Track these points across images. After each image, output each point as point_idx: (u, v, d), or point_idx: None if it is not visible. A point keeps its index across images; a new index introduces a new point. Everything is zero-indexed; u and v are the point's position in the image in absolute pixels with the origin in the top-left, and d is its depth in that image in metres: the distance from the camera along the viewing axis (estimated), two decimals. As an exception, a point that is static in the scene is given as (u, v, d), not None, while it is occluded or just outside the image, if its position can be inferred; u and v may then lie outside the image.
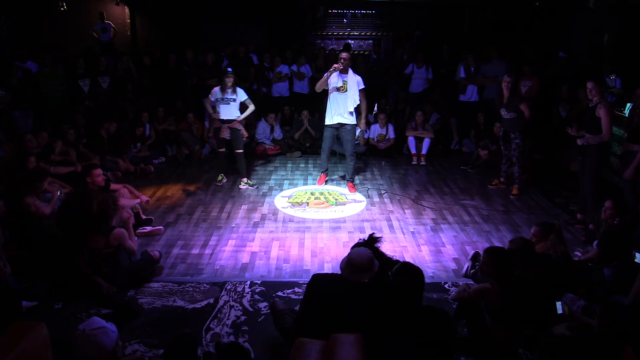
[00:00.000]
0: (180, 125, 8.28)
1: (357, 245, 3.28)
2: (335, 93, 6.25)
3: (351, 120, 6.34)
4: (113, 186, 5.48)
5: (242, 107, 6.76)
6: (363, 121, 6.60)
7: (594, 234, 5.02)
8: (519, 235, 4.68)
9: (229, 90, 6.49)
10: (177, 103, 8.61)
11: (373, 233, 3.29)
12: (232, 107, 6.55)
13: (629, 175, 4.93)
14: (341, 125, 6.36)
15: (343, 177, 7.06)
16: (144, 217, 5.40)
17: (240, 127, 6.67)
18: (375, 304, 2.93)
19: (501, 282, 3.18)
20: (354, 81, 6.27)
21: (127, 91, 8.56)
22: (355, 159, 6.73)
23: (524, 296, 3.22)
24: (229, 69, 6.59)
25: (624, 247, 3.89)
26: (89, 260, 4.05)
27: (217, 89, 6.58)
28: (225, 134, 6.61)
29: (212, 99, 6.60)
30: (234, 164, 6.89)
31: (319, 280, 3.05)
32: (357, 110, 6.44)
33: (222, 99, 6.52)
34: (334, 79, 6.25)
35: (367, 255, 2.98)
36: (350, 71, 6.29)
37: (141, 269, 4.29)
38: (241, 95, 6.61)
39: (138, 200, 5.37)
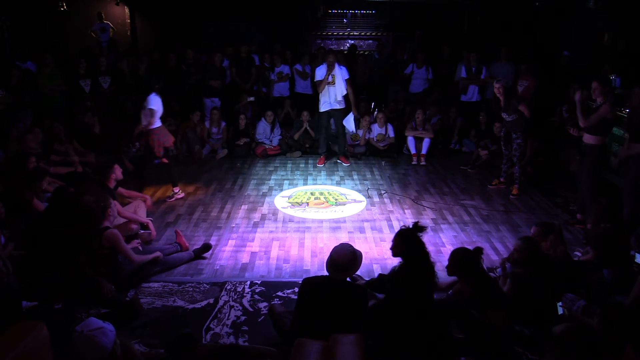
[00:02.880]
0: (185, 124, 8.26)
1: (400, 231, 3.45)
2: (327, 87, 7.39)
3: (341, 105, 7.53)
4: (129, 193, 5.46)
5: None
6: (354, 108, 7.63)
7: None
8: (523, 235, 4.67)
9: None
10: (175, 104, 8.61)
11: (418, 222, 3.40)
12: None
13: (622, 156, 4.96)
14: (333, 110, 7.54)
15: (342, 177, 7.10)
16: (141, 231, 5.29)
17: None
18: (364, 302, 3.00)
19: (466, 280, 3.31)
20: (340, 74, 7.34)
21: (129, 91, 8.56)
22: (346, 137, 7.99)
23: (522, 294, 3.27)
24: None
25: (621, 249, 3.88)
26: (89, 260, 4.05)
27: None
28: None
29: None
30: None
31: (309, 283, 3.11)
32: (346, 98, 7.54)
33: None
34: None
35: (348, 252, 3.05)
36: (335, 66, 7.31)
37: (140, 268, 4.29)
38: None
39: (138, 224, 5.11)
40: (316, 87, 7.57)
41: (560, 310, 3.42)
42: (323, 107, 7.54)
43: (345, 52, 10.63)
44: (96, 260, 4.04)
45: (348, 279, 3.13)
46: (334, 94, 7.40)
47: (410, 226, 3.36)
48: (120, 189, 5.41)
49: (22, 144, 6.04)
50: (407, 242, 3.38)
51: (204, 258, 4.75)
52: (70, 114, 7.78)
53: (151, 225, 5.14)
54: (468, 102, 8.75)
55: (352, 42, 11.74)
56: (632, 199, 4.91)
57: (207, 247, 4.85)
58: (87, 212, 4.01)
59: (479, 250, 3.38)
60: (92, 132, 7.29)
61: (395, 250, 3.48)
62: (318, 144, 7.98)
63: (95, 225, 4.05)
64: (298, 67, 9.10)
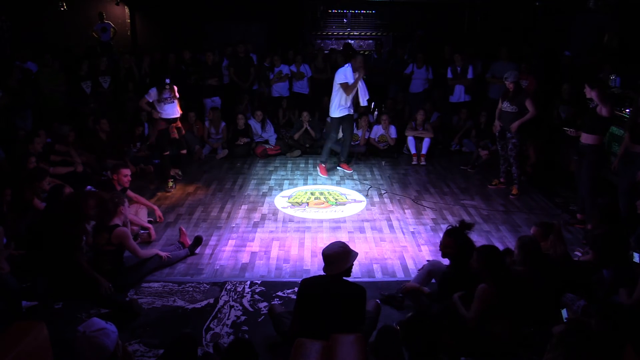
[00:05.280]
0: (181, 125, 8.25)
1: (446, 230, 3.61)
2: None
3: (352, 110, 7.21)
4: (137, 198, 5.48)
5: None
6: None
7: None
8: (523, 235, 4.67)
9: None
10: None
11: (464, 220, 3.51)
12: (175, 105, 6.62)
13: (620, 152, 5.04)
14: (348, 115, 7.14)
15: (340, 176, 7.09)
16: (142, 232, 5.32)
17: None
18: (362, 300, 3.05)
19: (495, 280, 3.23)
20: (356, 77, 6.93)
21: (129, 90, 8.55)
22: (351, 143, 7.62)
23: (522, 294, 3.26)
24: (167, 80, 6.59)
25: (621, 249, 3.88)
26: (92, 257, 4.05)
27: (154, 89, 6.48)
28: (176, 134, 6.65)
29: (150, 100, 6.47)
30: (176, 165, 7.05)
31: (308, 284, 3.12)
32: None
33: (167, 99, 6.48)
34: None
35: (336, 246, 3.12)
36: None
37: (138, 265, 4.29)
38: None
39: (141, 225, 5.15)
40: (344, 89, 6.87)
41: (565, 316, 3.43)
42: (340, 112, 7.01)
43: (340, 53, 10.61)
44: (100, 256, 4.05)
45: (346, 279, 3.12)
46: (351, 98, 7.00)
47: (457, 225, 3.50)
48: (129, 192, 5.38)
49: (29, 146, 6.03)
50: (459, 241, 3.48)
51: (196, 254, 4.78)
52: (72, 115, 7.77)
53: (151, 228, 5.16)
54: (457, 103, 8.73)
55: (348, 41, 11.73)
56: (627, 197, 4.91)
57: (198, 240, 4.88)
58: (100, 204, 4.05)
59: (507, 252, 3.48)
60: (98, 138, 7.28)
61: (447, 250, 3.60)
62: (322, 151, 7.43)
63: (105, 219, 4.08)
64: (292, 67, 9.09)
